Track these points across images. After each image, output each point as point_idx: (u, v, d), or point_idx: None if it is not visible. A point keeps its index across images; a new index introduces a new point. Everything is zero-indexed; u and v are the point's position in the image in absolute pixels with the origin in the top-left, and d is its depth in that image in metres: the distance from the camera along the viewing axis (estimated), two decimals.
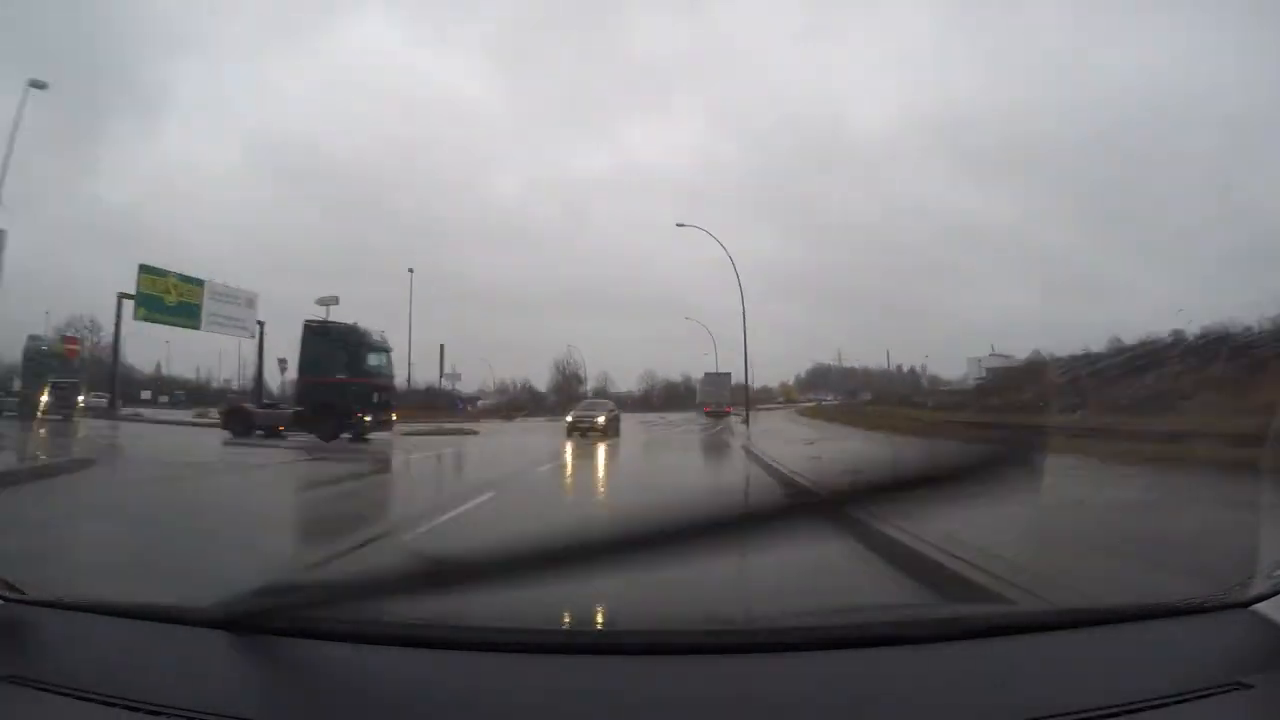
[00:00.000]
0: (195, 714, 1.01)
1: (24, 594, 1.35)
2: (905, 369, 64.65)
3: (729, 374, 45.12)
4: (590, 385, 51.43)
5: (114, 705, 1.04)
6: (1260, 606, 1.27)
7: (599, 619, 1.59)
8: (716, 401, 43.21)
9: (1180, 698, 1.04)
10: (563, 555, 1.18)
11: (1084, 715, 1.01)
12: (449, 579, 1.26)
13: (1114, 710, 1.01)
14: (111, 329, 29.84)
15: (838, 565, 3.93)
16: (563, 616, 1.60)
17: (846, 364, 60.09)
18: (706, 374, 50.63)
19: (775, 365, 46.61)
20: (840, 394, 58.75)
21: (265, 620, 1.36)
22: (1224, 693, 1.06)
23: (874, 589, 3.96)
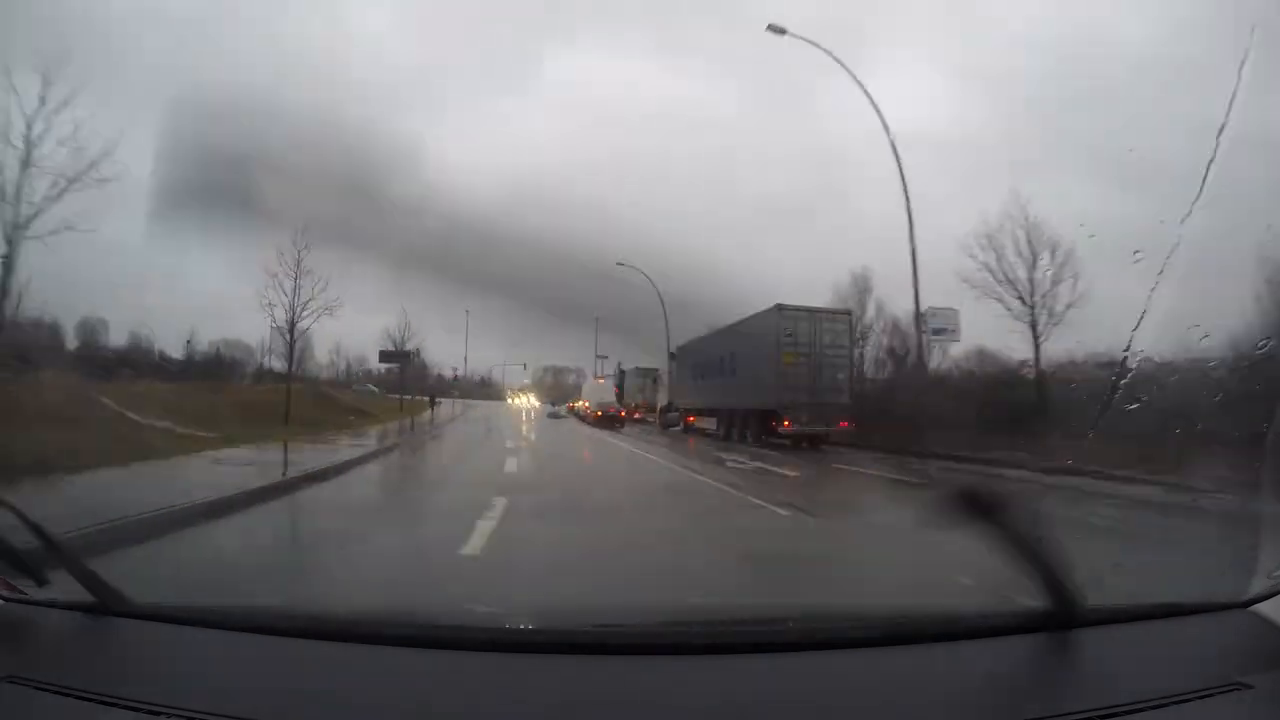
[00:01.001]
0: (195, 714, 1.00)
1: (24, 594, 1.34)
2: None
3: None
4: None
5: (114, 705, 1.03)
6: (1260, 607, 1.27)
7: (593, 618, 1.60)
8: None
9: (1180, 698, 1.04)
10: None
11: (1084, 715, 1.00)
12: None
13: (1114, 710, 1.01)
14: None
15: None
16: (560, 616, 1.61)
17: None
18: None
19: None
20: None
21: (261, 620, 1.36)
22: (1224, 693, 1.05)
23: None
